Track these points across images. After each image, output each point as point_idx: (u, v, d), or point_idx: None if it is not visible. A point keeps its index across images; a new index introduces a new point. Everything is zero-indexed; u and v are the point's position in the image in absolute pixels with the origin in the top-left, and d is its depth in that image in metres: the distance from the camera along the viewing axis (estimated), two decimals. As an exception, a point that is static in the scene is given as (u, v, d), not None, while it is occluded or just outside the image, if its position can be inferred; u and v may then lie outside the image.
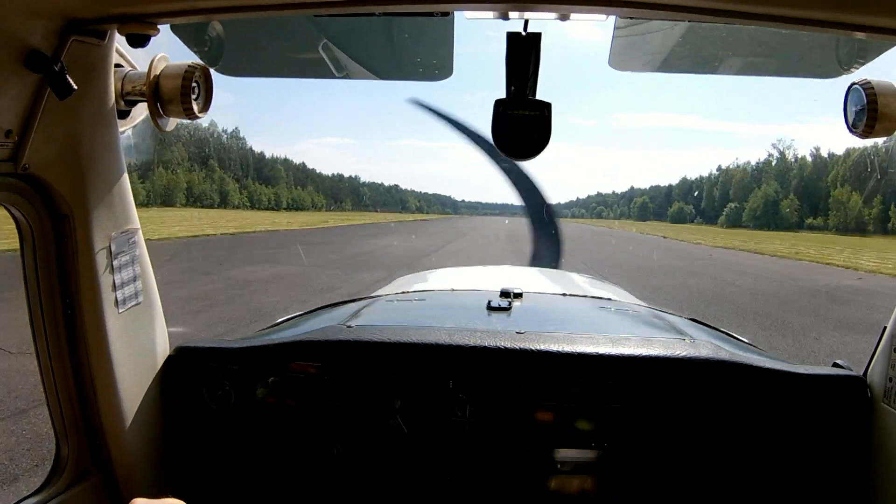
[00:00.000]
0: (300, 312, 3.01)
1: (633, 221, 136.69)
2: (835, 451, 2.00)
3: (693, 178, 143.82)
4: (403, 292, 3.33)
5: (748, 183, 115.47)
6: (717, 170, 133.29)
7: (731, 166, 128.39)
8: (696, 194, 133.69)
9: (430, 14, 1.62)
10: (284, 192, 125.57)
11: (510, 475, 2.03)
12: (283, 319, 2.93)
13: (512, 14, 1.53)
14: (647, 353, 1.97)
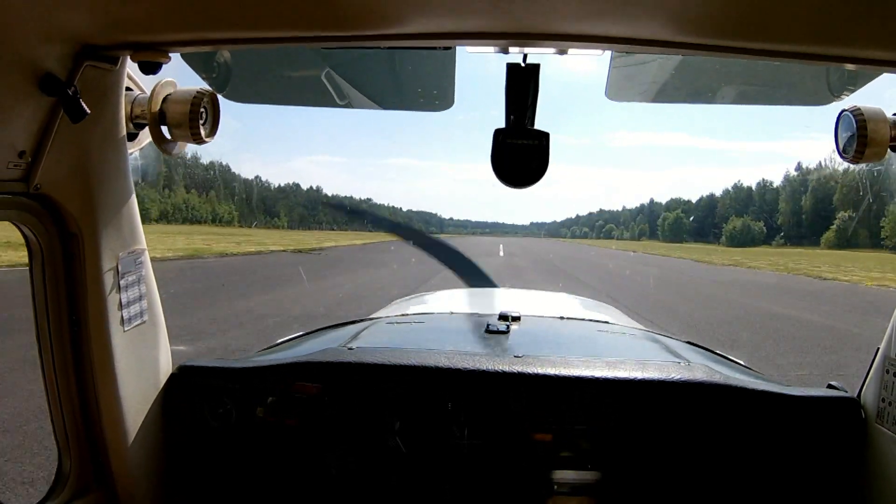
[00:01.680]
0: (300, 333, 3.02)
1: (661, 243, 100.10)
2: (829, 472, 2.01)
3: (750, 185, 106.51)
4: (402, 315, 3.35)
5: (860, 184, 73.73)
6: (798, 171, 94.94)
7: (824, 164, 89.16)
8: (760, 207, 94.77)
9: (433, 49, 1.67)
10: (157, 196, 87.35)
11: (508, 496, 2.04)
12: (283, 340, 2.94)
13: (512, 49, 1.58)
14: (642, 377, 1.99)
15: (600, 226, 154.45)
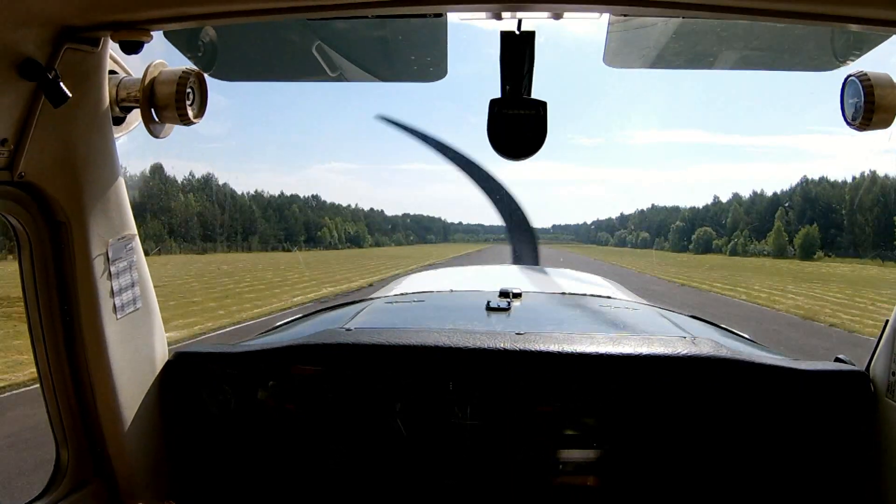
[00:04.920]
0: (298, 316, 3.00)
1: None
2: (838, 446, 1.99)
3: None
4: (402, 294, 3.32)
5: None
6: None
7: None
8: None
9: (423, 16, 1.62)
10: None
11: (511, 477, 2.02)
12: (281, 323, 2.92)
13: (505, 14, 1.53)
14: (648, 352, 1.96)
15: (680, 229, 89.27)
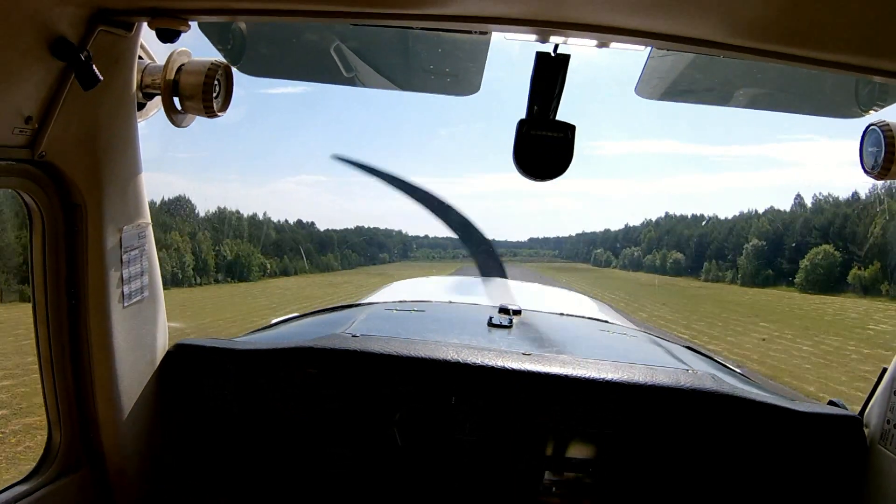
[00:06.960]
0: (295, 315, 2.98)
1: None
2: (829, 491, 1.99)
3: None
4: (401, 301, 3.32)
5: None
6: None
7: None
8: None
9: (469, 32, 1.61)
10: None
11: (509, 495, 2.01)
12: (277, 321, 2.90)
13: (553, 38, 1.53)
14: (652, 382, 1.96)
15: (758, 250, 50.74)
